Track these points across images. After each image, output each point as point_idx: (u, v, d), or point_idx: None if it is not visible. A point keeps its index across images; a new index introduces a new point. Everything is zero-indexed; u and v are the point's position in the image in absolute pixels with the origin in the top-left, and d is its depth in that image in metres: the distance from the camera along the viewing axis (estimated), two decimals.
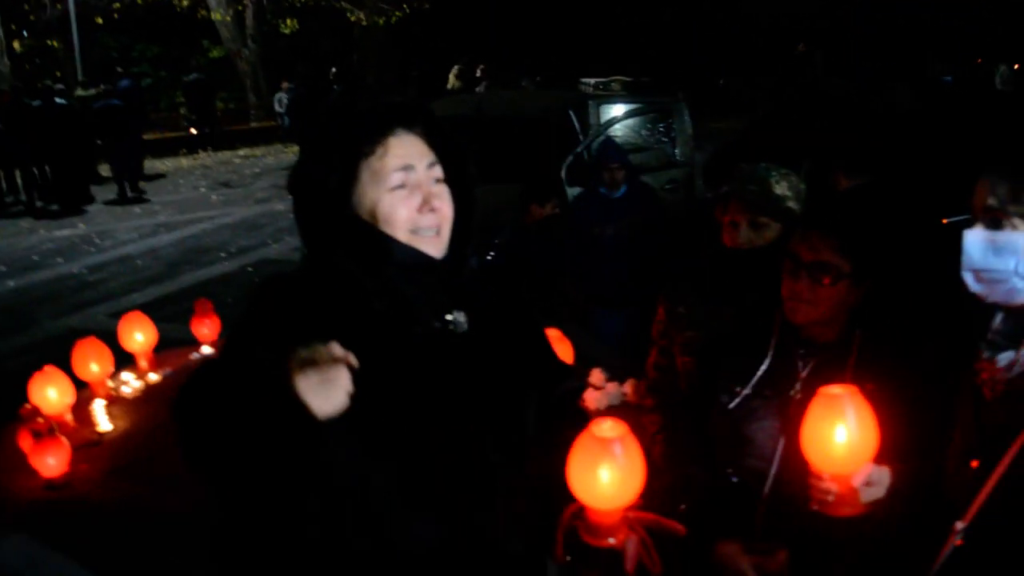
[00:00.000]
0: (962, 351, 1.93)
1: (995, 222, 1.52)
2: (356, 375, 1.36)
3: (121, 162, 13.25)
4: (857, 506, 1.56)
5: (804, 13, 24.59)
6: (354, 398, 1.36)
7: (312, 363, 1.23)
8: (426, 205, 1.48)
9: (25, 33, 21.21)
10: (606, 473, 1.39)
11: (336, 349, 1.25)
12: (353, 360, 1.26)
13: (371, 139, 1.48)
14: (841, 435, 1.51)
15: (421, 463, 1.44)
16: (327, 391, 1.23)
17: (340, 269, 1.45)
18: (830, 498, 1.56)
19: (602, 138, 6.51)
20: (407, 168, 1.48)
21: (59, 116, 12.53)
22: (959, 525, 1.56)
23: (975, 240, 1.54)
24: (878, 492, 1.63)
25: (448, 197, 1.53)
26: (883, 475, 1.64)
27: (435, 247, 1.50)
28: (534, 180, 5.50)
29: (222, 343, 1.38)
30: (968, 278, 1.57)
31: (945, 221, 2.94)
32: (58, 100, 12.70)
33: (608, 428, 1.42)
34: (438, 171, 1.53)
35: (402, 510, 1.43)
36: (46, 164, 12.98)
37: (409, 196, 1.48)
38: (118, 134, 12.85)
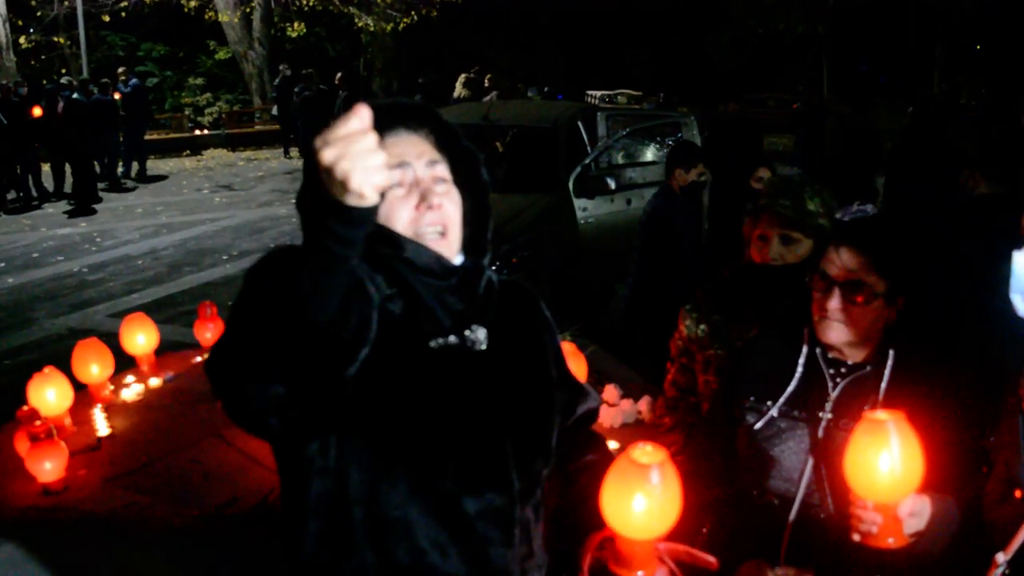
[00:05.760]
0: (1004, 375, 1.87)
1: None
2: (369, 382, 1.28)
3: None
4: (901, 537, 1.48)
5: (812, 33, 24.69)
6: (367, 406, 1.29)
7: (338, 139, 1.04)
8: (424, 202, 1.37)
9: (31, 30, 21.21)
10: (641, 501, 1.30)
11: (355, 119, 1.04)
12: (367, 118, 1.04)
13: None
14: (886, 463, 1.43)
15: (436, 487, 1.33)
16: (363, 160, 1.03)
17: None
18: (874, 529, 1.48)
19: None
20: (402, 165, 1.39)
21: (63, 112, 12.47)
22: (1001, 557, 1.50)
23: None
24: (919, 523, 1.56)
25: (455, 198, 1.43)
26: (924, 505, 1.57)
27: (444, 250, 1.39)
28: (680, 145, 5.56)
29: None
30: (1017, 301, 1.51)
31: None
32: (66, 94, 12.64)
33: (647, 453, 1.33)
34: (441, 170, 1.42)
35: (415, 537, 1.33)
36: (51, 162, 12.94)
37: (407, 195, 1.38)
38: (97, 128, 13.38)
